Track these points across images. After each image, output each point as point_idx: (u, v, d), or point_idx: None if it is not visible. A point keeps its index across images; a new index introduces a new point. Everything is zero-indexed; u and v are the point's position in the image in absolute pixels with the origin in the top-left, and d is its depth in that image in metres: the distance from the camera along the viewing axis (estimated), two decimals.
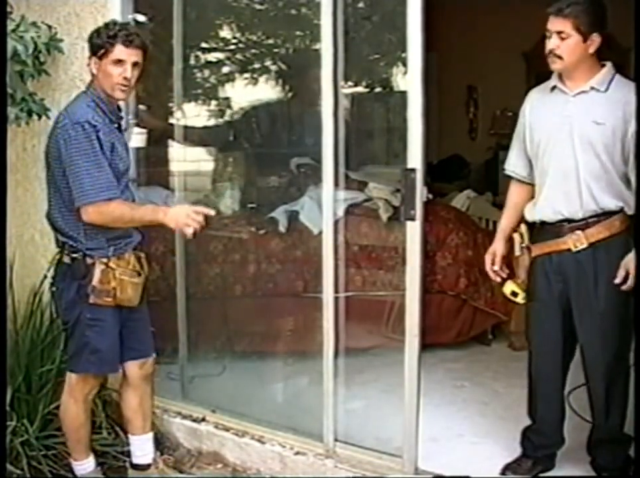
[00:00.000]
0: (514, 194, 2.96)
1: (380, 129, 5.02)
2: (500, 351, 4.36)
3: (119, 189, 2.74)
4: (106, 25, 2.79)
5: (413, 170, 2.72)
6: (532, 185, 2.89)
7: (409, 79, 2.73)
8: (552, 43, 2.64)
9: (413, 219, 2.75)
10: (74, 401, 2.94)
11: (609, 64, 2.73)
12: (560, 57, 2.65)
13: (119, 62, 2.71)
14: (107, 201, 2.68)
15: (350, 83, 4.33)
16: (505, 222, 2.97)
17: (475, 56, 6.51)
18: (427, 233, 3.96)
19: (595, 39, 2.63)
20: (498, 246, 2.96)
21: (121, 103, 2.96)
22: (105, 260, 2.76)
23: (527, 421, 2.98)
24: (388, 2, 3.31)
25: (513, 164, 2.93)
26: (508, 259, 2.98)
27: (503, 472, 2.94)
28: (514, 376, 3.64)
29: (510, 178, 2.97)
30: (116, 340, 2.87)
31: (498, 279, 2.98)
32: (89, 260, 2.76)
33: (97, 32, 2.78)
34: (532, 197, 2.88)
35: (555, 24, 2.63)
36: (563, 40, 2.62)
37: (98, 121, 2.71)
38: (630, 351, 2.79)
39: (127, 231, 2.84)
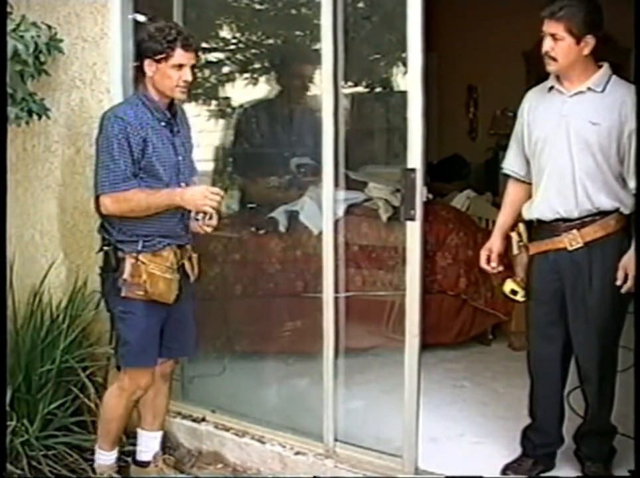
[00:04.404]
0: (512, 192, 2.99)
1: (380, 129, 5.00)
2: (500, 351, 4.36)
3: (136, 182, 2.75)
4: (161, 29, 2.75)
5: (413, 170, 2.73)
6: (530, 184, 2.91)
7: (409, 80, 2.73)
8: (546, 45, 2.68)
9: (413, 219, 2.76)
10: (119, 393, 2.94)
11: (605, 65, 2.74)
12: (554, 59, 2.68)
13: (179, 66, 2.74)
14: (124, 191, 2.72)
15: (350, 83, 4.32)
16: (502, 219, 3.00)
17: (475, 56, 6.51)
18: (427, 233, 3.95)
19: (589, 41, 2.65)
20: (495, 242, 2.98)
21: None
22: (135, 254, 2.77)
23: (527, 421, 2.99)
24: (388, 2, 3.30)
25: (511, 164, 2.96)
26: (506, 258, 3.00)
27: (504, 472, 2.95)
28: (514, 376, 3.64)
29: (507, 176, 2.99)
30: (148, 334, 2.85)
31: (494, 271, 3.00)
32: (120, 254, 2.79)
33: (150, 35, 2.76)
34: (530, 196, 2.90)
35: (548, 26, 2.65)
36: (557, 42, 2.64)
37: (133, 116, 2.74)
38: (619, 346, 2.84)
39: (168, 229, 2.84)
